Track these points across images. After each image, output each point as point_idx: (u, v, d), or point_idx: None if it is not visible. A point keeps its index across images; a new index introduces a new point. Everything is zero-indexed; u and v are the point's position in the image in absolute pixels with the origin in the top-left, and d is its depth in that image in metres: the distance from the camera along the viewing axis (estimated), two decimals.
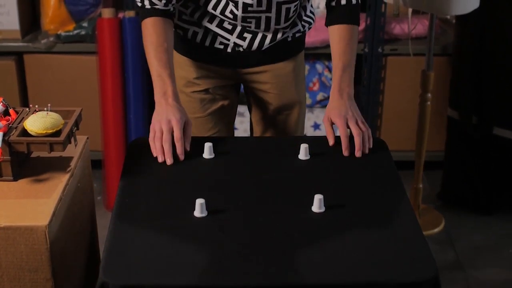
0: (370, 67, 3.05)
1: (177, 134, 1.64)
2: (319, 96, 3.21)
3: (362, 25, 3.01)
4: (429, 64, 2.73)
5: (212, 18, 1.83)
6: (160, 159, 1.63)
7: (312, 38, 2.95)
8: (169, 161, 1.62)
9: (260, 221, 1.43)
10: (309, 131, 3.18)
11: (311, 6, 1.96)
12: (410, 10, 2.77)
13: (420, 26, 3.06)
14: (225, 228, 1.40)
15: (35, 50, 3.03)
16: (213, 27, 1.85)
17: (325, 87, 3.20)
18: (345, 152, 1.69)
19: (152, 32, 1.75)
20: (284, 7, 1.80)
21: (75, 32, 3.02)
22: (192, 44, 1.89)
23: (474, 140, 2.92)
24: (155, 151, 1.64)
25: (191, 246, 1.35)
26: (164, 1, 1.76)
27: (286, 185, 1.57)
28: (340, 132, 1.70)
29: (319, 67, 3.18)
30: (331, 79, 3.19)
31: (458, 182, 3.05)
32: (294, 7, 1.82)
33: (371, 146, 1.72)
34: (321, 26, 2.86)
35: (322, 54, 3.12)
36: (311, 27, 1.97)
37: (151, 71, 1.74)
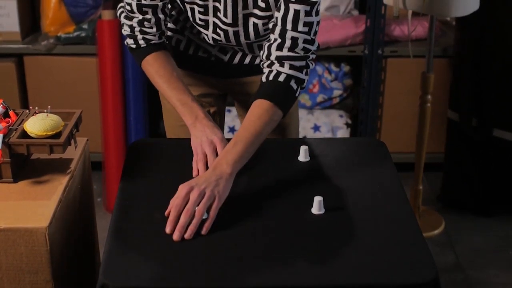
0: (370, 69, 3.05)
1: (220, 150, 1.59)
2: (319, 98, 3.21)
3: (362, 27, 3.01)
4: (429, 66, 2.73)
5: (194, 28, 1.82)
6: (195, 175, 1.57)
7: None
8: (196, 172, 1.58)
9: (259, 222, 1.43)
10: (309, 133, 3.18)
11: None
12: (410, 12, 2.77)
13: (420, 28, 3.06)
14: (225, 230, 1.40)
15: (35, 52, 3.04)
16: (195, 38, 1.84)
17: (325, 88, 3.20)
18: (167, 229, 1.38)
19: (158, 67, 1.72)
20: (255, 44, 1.79)
21: (75, 34, 3.02)
22: (177, 52, 1.87)
23: (474, 142, 2.92)
24: (196, 173, 1.59)
25: (191, 248, 1.35)
26: (158, 34, 1.73)
27: (286, 187, 1.57)
28: (172, 200, 1.43)
29: (319, 69, 3.18)
30: (331, 81, 3.20)
31: (458, 184, 3.05)
32: (267, 41, 1.67)
33: (203, 232, 1.38)
34: (321, 28, 2.88)
35: (322, 56, 3.12)
36: None
37: (173, 103, 1.69)
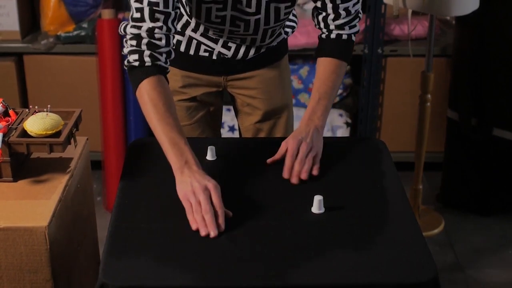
0: (370, 68, 3.05)
1: (216, 201, 1.43)
2: None
3: (362, 26, 3.01)
4: (428, 65, 2.73)
5: (197, 27, 1.81)
6: (203, 233, 1.38)
7: (312, 39, 2.96)
8: (213, 233, 1.38)
9: (260, 222, 1.43)
10: None
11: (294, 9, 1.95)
12: (409, 11, 2.77)
13: (420, 27, 3.06)
14: (225, 229, 1.40)
15: (35, 51, 3.03)
16: (197, 36, 1.83)
17: None
18: (285, 174, 1.60)
19: (156, 96, 1.55)
20: (270, 30, 1.80)
21: (75, 33, 3.02)
22: (177, 53, 1.80)
23: (474, 142, 2.92)
24: (196, 224, 1.40)
25: (191, 248, 1.35)
26: (165, 55, 1.60)
27: (285, 186, 1.57)
28: (288, 152, 1.62)
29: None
30: None
31: (457, 183, 3.05)
32: (279, 27, 1.83)
33: (315, 174, 1.61)
34: None
35: None
36: (294, 31, 1.97)
37: (160, 138, 1.52)
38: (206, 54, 1.86)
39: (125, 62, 1.61)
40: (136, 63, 1.58)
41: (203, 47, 1.85)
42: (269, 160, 1.65)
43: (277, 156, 1.65)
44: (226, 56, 1.86)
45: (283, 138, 1.80)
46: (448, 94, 3.03)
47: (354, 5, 1.74)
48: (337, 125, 3.20)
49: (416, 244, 1.37)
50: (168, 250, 1.34)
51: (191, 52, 1.86)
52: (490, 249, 2.80)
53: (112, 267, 1.29)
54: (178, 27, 1.83)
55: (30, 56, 3.07)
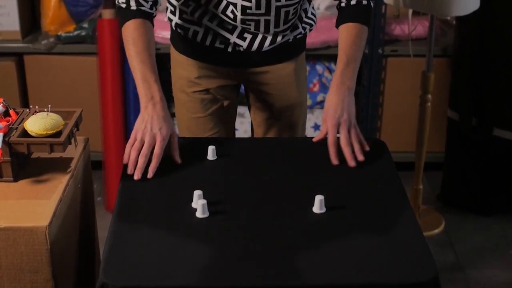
0: (370, 68, 3.05)
1: (157, 150, 1.57)
2: (319, 97, 3.21)
3: None
4: (429, 65, 2.73)
5: (213, 17, 1.83)
6: (129, 171, 1.56)
7: (312, 39, 2.95)
8: (136, 177, 1.55)
9: (261, 222, 1.43)
10: (309, 132, 3.18)
11: (312, 8, 1.96)
12: (410, 11, 2.77)
13: (420, 27, 3.06)
14: (226, 229, 1.40)
15: (35, 51, 3.04)
16: (213, 26, 1.84)
17: (325, 88, 3.20)
18: (334, 161, 1.64)
19: (137, 36, 1.70)
20: (283, 10, 1.80)
21: (75, 33, 3.02)
22: (193, 43, 1.89)
23: (474, 142, 2.92)
24: (127, 160, 1.58)
25: (192, 247, 1.35)
26: (151, 3, 1.74)
27: (287, 185, 1.57)
28: (329, 140, 1.66)
29: (319, 68, 3.18)
30: (331, 80, 3.19)
31: (458, 183, 3.05)
32: (294, 9, 1.82)
33: (367, 149, 1.67)
34: (321, 27, 2.88)
35: (322, 55, 3.12)
36: (312, 29, 1.97)
37: (135, 74, 1.67)
38: (222, 46, 1.87)
39: (116, 1, 1.75)
40: (124, 5, 1.73)
41: (219, 38, 1.86)
42: (315, 139, 1.71)
43: (321, 135, 1.69)
44: (241, 48, 1.86)
45: (283, 138, 1.81)
46: (448, 94, 3.03)
47: None
48: None
49: (416, 244, 1.37)
50: (168, 250, 1.34)
51: (207, 43, 1.87)
52: (490, 249, 2.80)
53: (112, 267, 1.29)
54: (196, 16, 1.85)
55: (30, 56, 3.08)
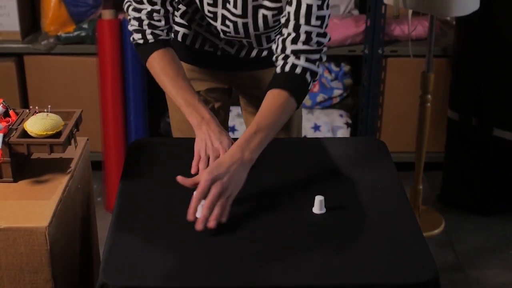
0: (370, 68, 3.05)
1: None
2: (319, 98, 3.21)
3: (362, 27, 3.01)
4: (429, 66, 2.73)
5: (201, 21, 1.82)
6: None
7: None
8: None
9: (260, 222, 1.43)
10: (309, 133, 3.18)
11: None
12: (410, 11, 2.77)
13: (420, 28, 3.06)
14: (226, 229, 1.40)
15: (35, 52, 3.03)
16: (201, 31, 1.84)
17: (325, 88, 3.20)
18: (190, 216, 1.41)
19: (164, 65, 1.70)
20: (263, 36, 1.79)
21: (75, 33, 3.02)
22: (183, 46, 1.88)
23: (474, 142, 2.92)
24: (196, 170, 1.60)
25: (192, 248, 1.35)
26: (166, 29, 1.72)
27: (286, 186, 1.57)
28: (196, 191, 1.43)
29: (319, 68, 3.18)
30: (331, 80, 3.19)
31: (458, 183, 3.05)
32: (275, 33, 1.78)
33: (213, 227, 1.39)
34: None
35: None
36: None
37: (178, 102, 1.67)
38: (211, 49, 1.87)
39: (131, 39, 1.75)
40: (141, 41, 1.72)
41: (208, 42, 1.86)
42: (190, 174, 1.56)
43: (192, 182, 1.47)
44: (230, 53, 1.86)
45: (282, 139, 1.81)
46: (448, 94, 3.03)
47: (317, 34, 1.62)
48: (337, 125, 3.20)
49: (416, 244, 1.37)
50: (168, 250, 1.34)
51: (197, 46, 1.87)
52: (490, 249, 2.80)
53: (112, 267, 1.29)
54: (185, 20, 1.84)
55: (30, 57, 3.07)
